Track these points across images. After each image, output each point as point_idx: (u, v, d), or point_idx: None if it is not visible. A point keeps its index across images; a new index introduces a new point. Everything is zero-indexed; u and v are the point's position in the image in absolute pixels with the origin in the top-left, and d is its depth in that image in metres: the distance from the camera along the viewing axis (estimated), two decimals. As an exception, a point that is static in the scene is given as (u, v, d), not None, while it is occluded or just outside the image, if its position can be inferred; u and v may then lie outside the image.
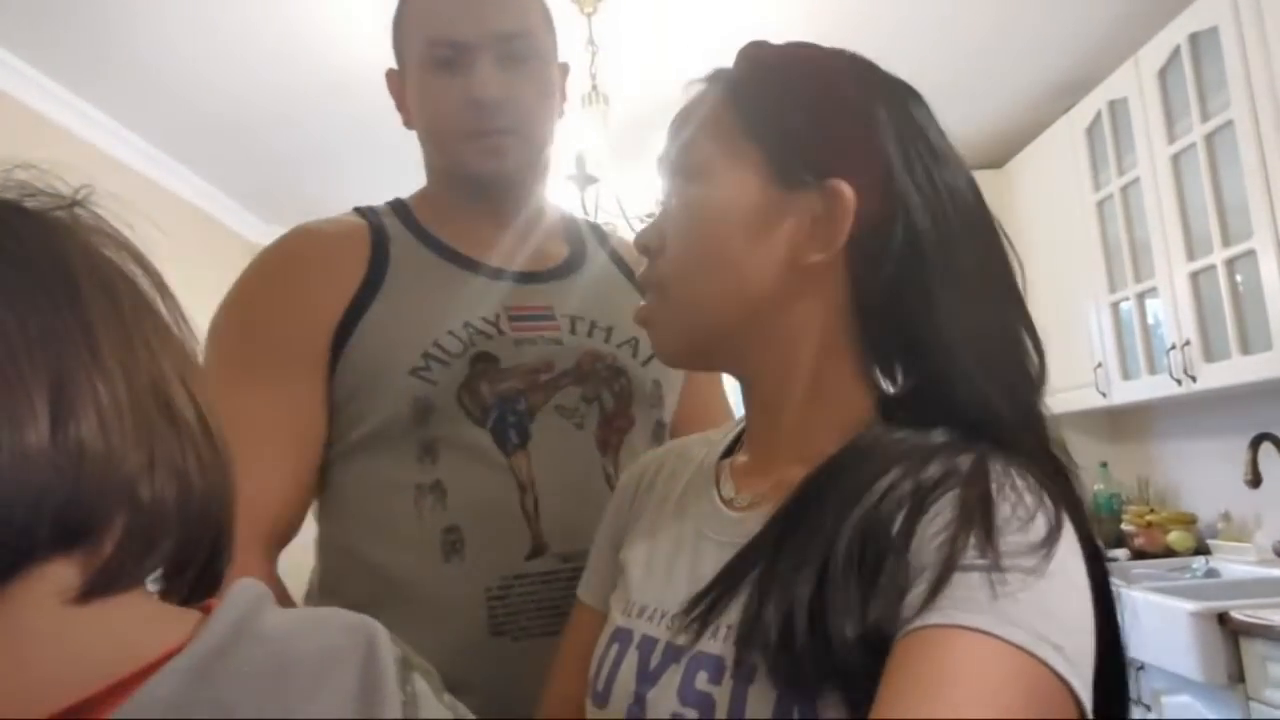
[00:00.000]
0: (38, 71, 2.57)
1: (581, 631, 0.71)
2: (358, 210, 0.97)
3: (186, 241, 3.45)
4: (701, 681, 0.54)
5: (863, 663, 0.47)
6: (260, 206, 3.93)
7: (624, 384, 0.94)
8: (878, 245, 0.58)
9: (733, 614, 0.55)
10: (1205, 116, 2.29)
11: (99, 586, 0.40)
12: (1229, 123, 2.19)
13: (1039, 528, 0.49)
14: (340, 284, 0.88)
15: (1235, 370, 2.26)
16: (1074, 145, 2.90)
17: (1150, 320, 2.64)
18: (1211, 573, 2.53)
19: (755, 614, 0.52)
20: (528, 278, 0.95)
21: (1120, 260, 2.72)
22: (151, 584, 0.45)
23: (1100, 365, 2.83)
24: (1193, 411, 2.84)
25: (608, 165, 2.60)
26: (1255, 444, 2.36)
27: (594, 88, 2.46)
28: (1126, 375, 2.75)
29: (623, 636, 0.62)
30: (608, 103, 2.49)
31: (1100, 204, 2.81)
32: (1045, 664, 0.44)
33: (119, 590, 0.41)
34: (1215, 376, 2.33)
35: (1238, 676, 1.88)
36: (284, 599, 0.84)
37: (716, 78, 0.65)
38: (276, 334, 0.87)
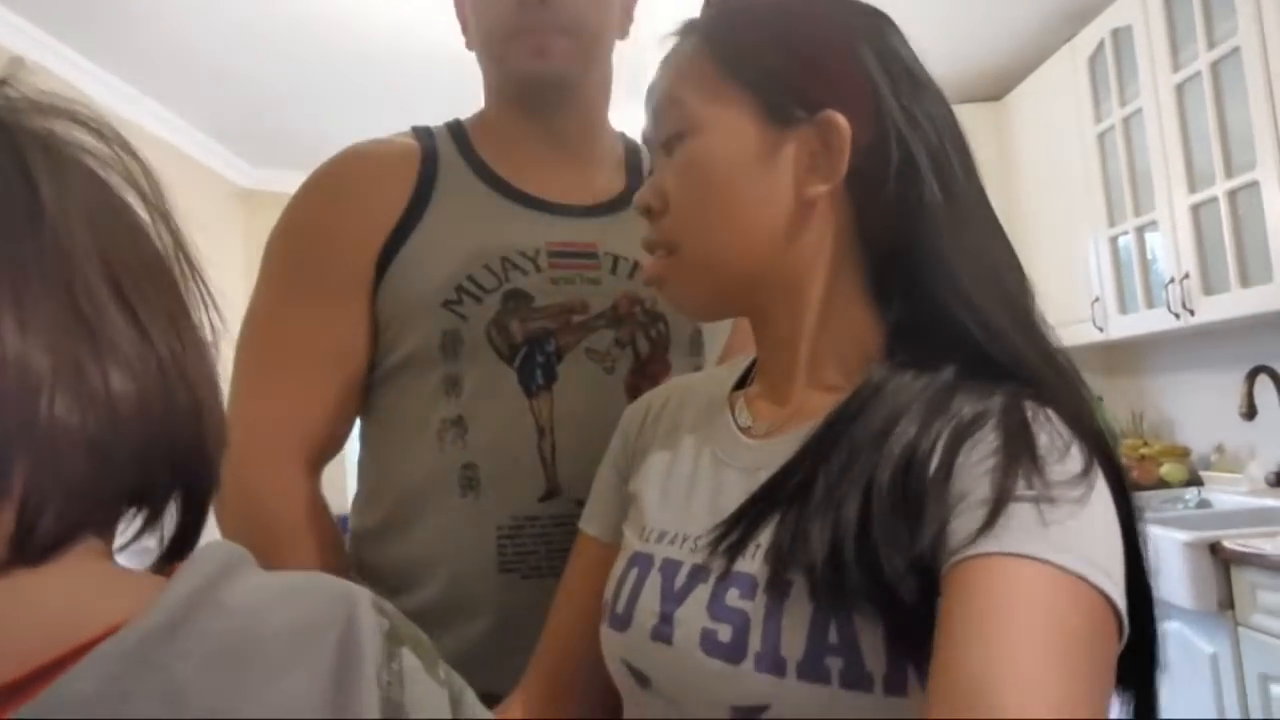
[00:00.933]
0: (13, 13, 2.49)
1: (585, 561, 0.72)
2: (414, 130, 0.96)
3: (173, 186, 3.39)
4: (733, 598, 0.56)
5: (904, 585, 0.49)
6: (251, 151, 3.85)
7: (661, 330, 0.92)
8: (876, 171, 0.59)
9: (762, 536, 0.56)
10: (1211, 44, 2.24)
11: (14, 553, 0.34)
12: (1235, 50, 2.14)
13: (1076, 458, 0.51)
14: (385, 208, 0.88)
15: (1234, 303, 2.25)
16: (1075, 76, 2.84)
17: (1149, 255, 2.63)
18: (1203, 504, 2.56)
19: (799, 534, 0.53)
20: (576, 212, 0.92)
21: (1120, 193, 2.69)
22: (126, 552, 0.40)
23: (1098, 300, 2.83)
24: (1189, 345, 2.85)
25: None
26: (1251, 376, 2.37)
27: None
28: (1124, 309, 2.74)
29: (642, 561, 0.63)
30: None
31: (1101, 136, 2.76)
32: (1099, 589, 0.45)
33: (41, 555, 0.34)
34: (1214, 310, 2.33)
35: (1227, 604, 1.92)
36: (322, 515, 0.87)
37: (689, 29, 0.65)
38: (321, 256, 0.87)
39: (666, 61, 0.65)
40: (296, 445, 0.86)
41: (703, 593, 0.58)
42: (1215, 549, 1.93)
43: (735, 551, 0.57)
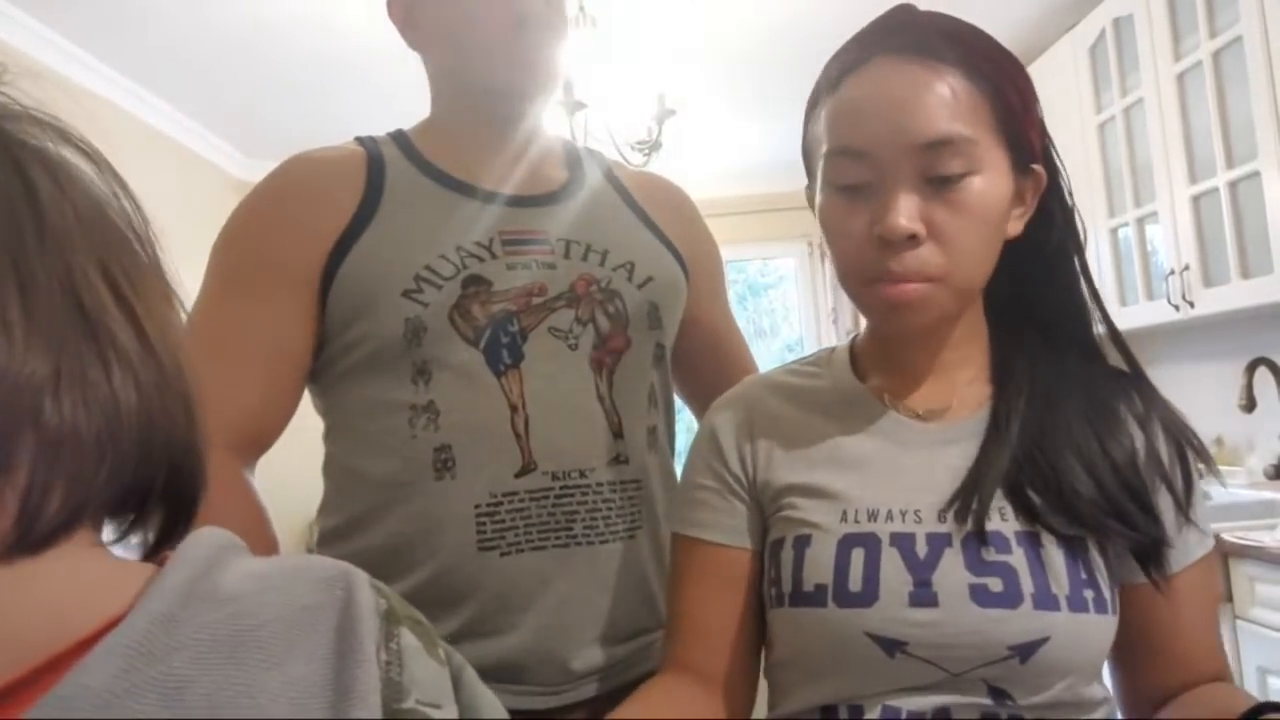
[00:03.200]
0: (13, 6, 2.47)
1: (718, 569, 0.76)
2: (358, 139, 0.98)
3: (169, 177, 3.37)
4: (990, 555, 0.66)
5: (1121, 540, 0.68)
6: (245, 142, 3.83)
7: (619, 306, 0.95)
8: (1042, 218, 0.74)
9: (994, 501, 0.68)
10: (1213, 33, 2.22)
11: (16, 540, 0.34)
12: (1238, 39, 2.13)
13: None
14: (335, 209, 0.90)
15: (1234, 295, 2.24)
16: (1076, 65, 2.83)
17: (1149, 246, 2.61)
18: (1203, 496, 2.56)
19: (1047, 500, 0.68)
20: (523, 201, 0.96)
21: (1120, 184, 2.68)
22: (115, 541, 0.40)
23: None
24: (1188, 337, 2.84)
25: (597, 90, 2.52)
26: (1251, 368, 2.36)
27: (581, 8, 2.38)
28: (1124, 301, 2.73)
29: (861, 540, 0.69)
30: (595, 24, 2.41)
31: (1102, 126, 2.75)
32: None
33: (42, 543, 0.35)
34: (1214, 301, 2.32)
35: (1225, 596, 1.91)
36: (243, 498, 0.87)
37: (938, 54, 0.68)
38: (267, 254, 0.89)
39: (918, 84, 0.66)
40: (220, 431, 0.83)
41: (953, 556, 0.67)
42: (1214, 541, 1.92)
43: (982, 515, 0.67)
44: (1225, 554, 1.92)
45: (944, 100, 0.66)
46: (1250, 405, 2.33)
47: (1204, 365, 2.81)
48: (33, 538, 0.34)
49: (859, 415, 0.76)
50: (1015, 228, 0.72)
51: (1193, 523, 0.71)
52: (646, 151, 2.80)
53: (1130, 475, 0.69)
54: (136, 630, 0.32)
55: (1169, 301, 2.45)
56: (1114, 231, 2.75)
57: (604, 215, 1.00)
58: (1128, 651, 0.72)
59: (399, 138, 0.99)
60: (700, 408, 1.07)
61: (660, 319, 0.98)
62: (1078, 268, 0.76)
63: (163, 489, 0.40)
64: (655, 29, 2.85)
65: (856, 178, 0.68)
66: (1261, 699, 0.62)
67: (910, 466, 0.72)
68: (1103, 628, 0.67)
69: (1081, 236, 0.76)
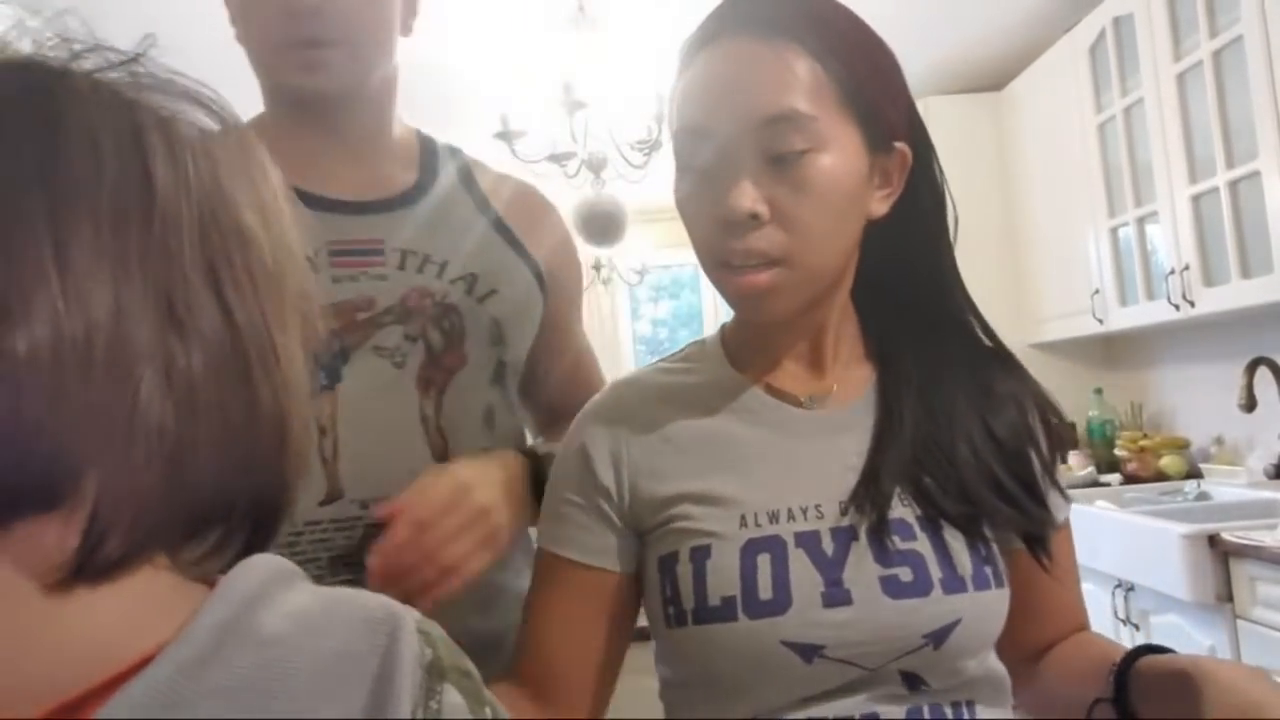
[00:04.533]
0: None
1: (579, 588, 0.72)
2: None
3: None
4: (897, 544, 0.66)
5: (1009, 513, 0.69)
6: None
7: (454, 321, 0.88)
8: (909, 192, 0.71)
9: (889, 487, 0.67)
10: (1214, 33, 2.22)
11: (74, 570, 0.32)
12: (1238, 39, 2.13)
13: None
14: None
15: (1235, 294, 2.24)
16: (1076, 65, 2.82)
17: (1149, 246, 2.61)
18: (1203, 496, 2.56)
19: (939, 482, 0.68)
20: (358, 208, 0.88)
21: (1120, 184, 2.68)
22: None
23: (1098, 292, 2.81)
24: (1189, 336, 2.84)
25: (597, 90, 2.52)
26: (1251, 368, 2.36)
27: (581, 8, 2.38)
28: (1124, 301, 2.73)
29: (766, 545, 0.66)
30: (595, 25, 2.41)
31: (1102, 126, 2.74)
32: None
33: (100, 575, 0.33)
34: (1214, 301, 2.32)
35: (1226, 596, 1.91)
36: None
37: (772, 28, 0.65)
38: None
39: (759, 61, 0.64)
40: None
41: (860, 549, 0.66)
42: (1214, 541, 1.92)
43: (883, 504, 0.67)
44: (1225, 554, 1.91)
45: (781, 76, 0.64)
46: (1250, 405, 2.33)
47: (1204, 365, 2.81)
48: (91, 571, 0.33)
49: (741, 408, 0.73)
50: (879, 208, 0.70)
51: (1055, 486, 0.74)
52: (646, 151, 2.79)
53: (1015, 461, 0.71)
54: (159, 679, 0.31)
55: (1169, 301, 2.44)
56: (1114, 231, 2.75)
57: (451, 223, 0.91)
58: (1026, 615, 0.73)
59: None
60: (539, 426, 1.02)
61: (504, 335, 0.91)
62: (946, 247, 0.74)
63: (243, 516, 0.38)
64: (655, 28, 2.85)
65: (702, 159, 0.66)
66: None
67: (803, 459, 0.70)
68: (1002, 600, 0.68)
69: (951, 216, 0.74)
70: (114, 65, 0.37)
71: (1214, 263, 2.32)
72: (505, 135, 2.61)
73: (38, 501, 0.32)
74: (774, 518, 0.67)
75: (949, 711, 0.66)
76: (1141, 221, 2.61)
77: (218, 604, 0.33)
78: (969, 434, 0.70)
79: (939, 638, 0.64)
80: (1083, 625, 0.78)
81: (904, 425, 0.70)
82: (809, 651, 0.63)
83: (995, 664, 0.70)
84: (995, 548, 0.69)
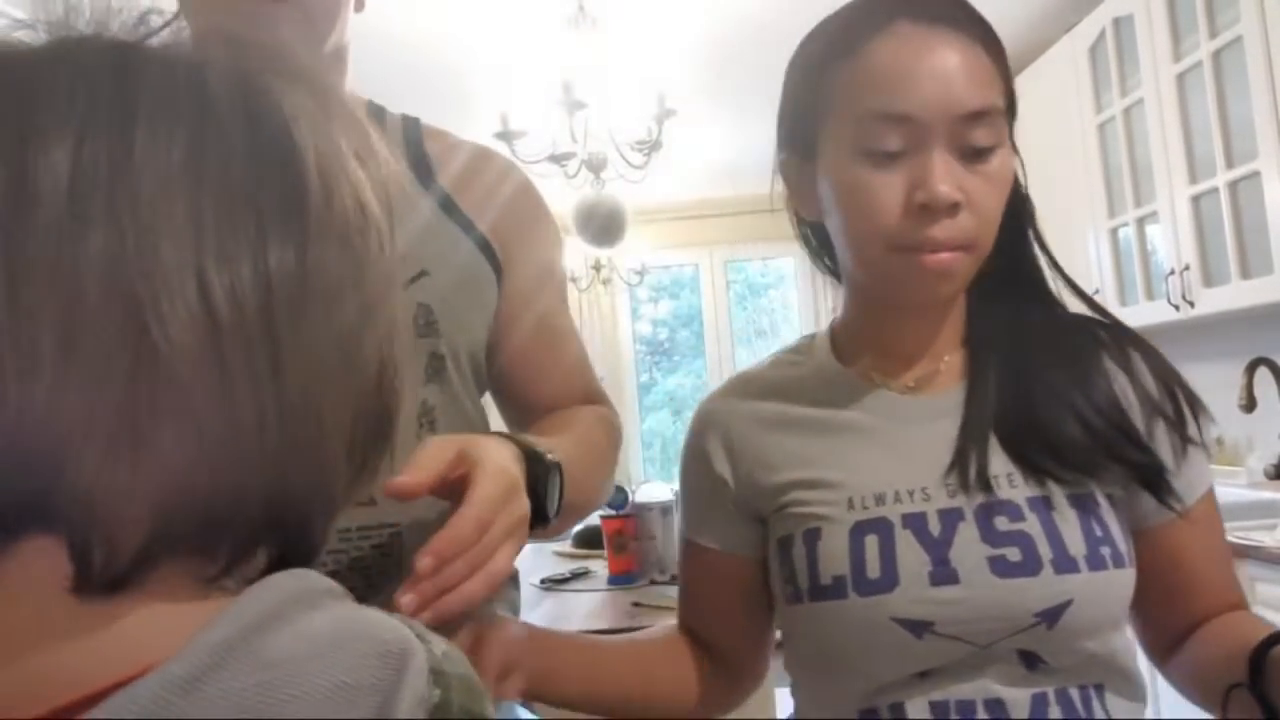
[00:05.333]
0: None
1: (718, 572, 0.80)
2: None
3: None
4: (1004, 524, 0.67)
5: (1127, 486, 0.70)
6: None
7: None
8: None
9: (996, 467, 0.69)
10: (1213, 33, 2.22)
11: (78, 584, 0.32)
12: (1238, 39, 2.13)
13: None
14: None
15: (1235, 295, 2.24)
16: (1076, 65, 2.82)
17: (1149, 246, 2.61)
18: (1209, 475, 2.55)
19: (1050, 459, 0.68)
20: None
21: (1120, 184, 2.68)
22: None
23: (1098, 292, 2.81)
24: (1188, 337, 2.83)
25: (597, 90, 2.52)
26: (1251, 368, 2.36)
27: (581, 9, 2.38)
28: (1124, 301, 2.73)
29: (873, 527, 0.69)
30: (595, 25, 2.41)
31: (1101, 126, 2.75)
32: None
33: (109, 588, 0.32)
34: (1214, 301, 2.32)
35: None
36: None
37: (966, 29, 0.68)
38: None
39: (962, 54, 0.67)
40: None
41: (968, 530, 0.67)
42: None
43: (987, 485, 0.68)
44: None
45: (982, 71, 0.67)
46: (1250, 405, 2.33)
47: (1204, 365, 2.81)
48: (93, 585, 0.32)
49: (847, 398, 0.76)
50: None
51: (1197, 449, 0.72)
52: (646, 151, 2.80)
53: (1114, 413, 0.70)
54: (144, 693, 0.29)
55: (1169, 301, 2.44)
56: (1114, 231, 2.75)
57: None
58: (1145, 595, 0.71)
59: None
60: (515, 419, 0.91)
61: (436, 323, 0.80)
62: (1030, 226, 0.77)
63: (264, 537, 0.36)
64: (655, 28, 2.85)
65: (894, 144, 0.66)
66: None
67: (909, 443, 0.72)
68: (1123, 581, 0.68)
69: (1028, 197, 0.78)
70: (157, 30, 0.36)
71: (1214, 263, 2.32)
72: (505, 135, 2.61)
73: (37, 518, 0.31)
74: (880, 500, 0.70)
75: (1076, 696, 0.67)
76: (1141, 221, 2.61)
77: (224, 622, 0.31)
78: (1060, 397, 0.70)
79: (1051, 617, 0.65)
80: (1236, 604, 0.74)
81: (987, 393, 0.72)
82: (919, 627, 0.66)
83: (1124, 649, 0.70)
84: (1117, 526, 0.69)
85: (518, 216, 0.88)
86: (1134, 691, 0.70)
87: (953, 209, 0.65)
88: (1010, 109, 0.71)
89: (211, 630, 0.31)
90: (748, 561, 0.78)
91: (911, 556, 0.67)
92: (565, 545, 2.47)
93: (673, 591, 1.97)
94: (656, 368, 5.74)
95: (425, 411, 0.79)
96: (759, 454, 0.76)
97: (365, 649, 0.32)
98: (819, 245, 0.84)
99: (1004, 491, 0.68)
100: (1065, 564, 0.66)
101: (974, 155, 0.66)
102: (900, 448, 0.72)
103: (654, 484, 2.21)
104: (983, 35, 0.68)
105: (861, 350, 0.77)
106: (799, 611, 0.71)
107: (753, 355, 5.57)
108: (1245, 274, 2.20)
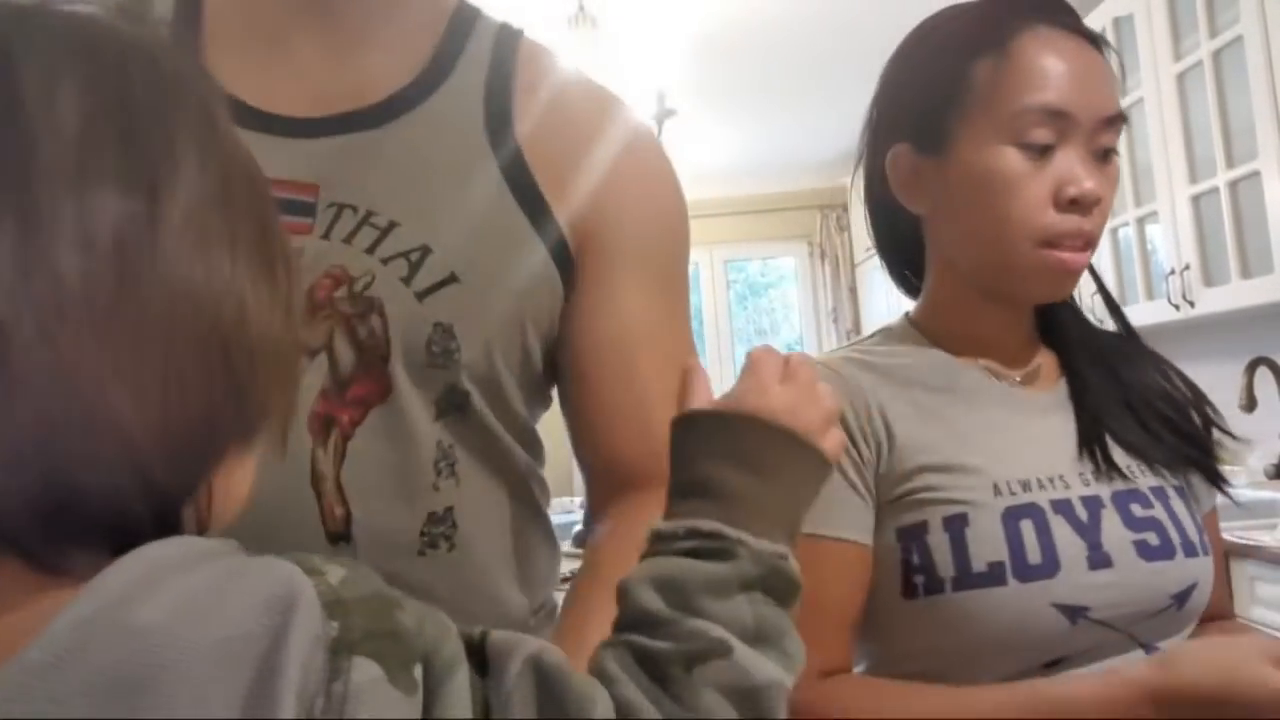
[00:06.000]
0: None
1: (855, 567, 0.70)
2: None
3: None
4: (1138, 510, 0.70)
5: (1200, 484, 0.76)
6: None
7: (376, 328, 0.58)
8: None
9: (1116, 457, 0.72)
10: (1213, 33, 2.22)
11: None
12: (1238, 39, 2.13)
13: None
14: None
15: (1235, 295, 2.24)
16: (1076, 65, 2.82)
17: (1149, 246, 2.61)
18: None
19: (1162, 455, 0.73)
20: (309, 128, 0.59)
21: (1120, 184, 2.67)
22: None
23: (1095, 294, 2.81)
24: (1188, 337, 2.83)
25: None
26: (1251, 368, 2.36)
27: (581, 9, 2.38)
28: (1124, 301, 2.72)
29: (1025, 512, 0.69)
30: (595, 25, 2.41)
31: (1102, 126, 2.75)
32: None
33: None
34: (1214, 301, 2.32)
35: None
36: None
37: (1092, 37, 0.73)
38: None
39: (1101, 61, 0.72)
40: None
41: (1111, 516, 0.69)
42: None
43: (1121, 473, 0.71)
44: (1226, 554, 1.91)
45: (1112, 79, 0.72)
46: (1250, 405, 2.33)
47: (1204, 365, 2.80)
48: None
49: (962, 388, 0.75)
50: None
51: (1212, 464, 0.77)
52: (646, 151, 2.79)
53: (1175, 404, 0.77)
54: (4, 683, 0.28)
55: (1169, 301, 2.44)
56: (1114, 231, 2.75)
57: (428, 156, 0.60)
58: None
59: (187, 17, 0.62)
60: (593, 490, 0.69)
61: (454, 353, 0.59)
62: None
63: (100, 512, 0.33)
64: (655, 28, 2.85)
65: (1046, 137, 0.68)
66: None
67: (1034, 434, 0.73)
68: (1210, 569, 0.72)
69: None
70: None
71: (1214, 263, 2.32)
72: (505, 135, 2.60)
73: None
74: (1026, 486, 0.70)
75: None
76: (1141, 221, 2.61)
77: (84, 600, 0.29)
78: (1150, 401, 0.76)
79: (1182, 599, 0.68)
80: (1227, 612, 0.81)
81: (1099, 398, 0.75)
82: (1076, 613, 0.66)
83: None
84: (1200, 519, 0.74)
85: (616, 188, 0.63)
86: None
87: (1095, 205, 0.69)
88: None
89: (67, 611, 0.29)
90: (868, 552, 0.70)
91: (1069, 541, 0.67)
92: (565, 545, 2.47)
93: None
94: (656, 367, 5.73)
95: (443, 459, 0.61)
96: (884, 437, 0.72)
97: (246, 600, 0.30)
98: (891, 245, 0.84)
99: (1132, 481, 0.72)
100: (1189, 548, 0.69)
101: (1102, 156, 0.70)
102: (1027, 437, 0.73)
103: (654, 484, 2.20)
104: (1100, 47, 0.72)
105: (960, 345, 0.78)
106: (931, 604, 0.67)
107: (753, 355, 5.56)
108: (1245, 274, 2.20)
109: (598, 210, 0.63)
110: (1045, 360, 0.79)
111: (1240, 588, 1.89)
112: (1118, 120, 0.70)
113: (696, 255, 5.24)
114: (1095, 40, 0.72)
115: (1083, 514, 0.69)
